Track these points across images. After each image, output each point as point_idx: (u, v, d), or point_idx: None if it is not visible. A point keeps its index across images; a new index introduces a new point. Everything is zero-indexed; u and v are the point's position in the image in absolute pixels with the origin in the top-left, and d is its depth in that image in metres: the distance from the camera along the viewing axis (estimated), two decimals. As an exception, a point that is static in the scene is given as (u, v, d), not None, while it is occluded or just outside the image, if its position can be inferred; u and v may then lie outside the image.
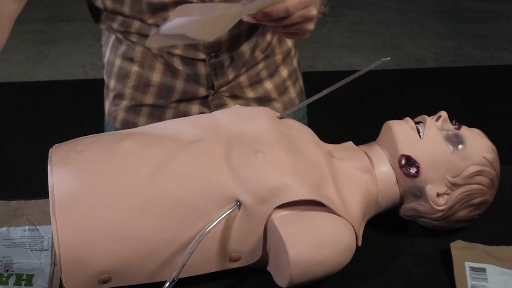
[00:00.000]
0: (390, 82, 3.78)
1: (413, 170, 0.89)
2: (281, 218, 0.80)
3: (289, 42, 1.14)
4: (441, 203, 0.90)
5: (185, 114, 1.08)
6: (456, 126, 0.93)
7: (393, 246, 0.94)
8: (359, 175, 0.90)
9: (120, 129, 1.13)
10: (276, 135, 0.87)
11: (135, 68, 1.08)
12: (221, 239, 0.81)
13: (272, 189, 0.80)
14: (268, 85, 1.11)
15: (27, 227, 0.95)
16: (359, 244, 0.85)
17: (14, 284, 0.83)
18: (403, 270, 0.89)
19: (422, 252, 0.93)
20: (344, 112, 3.37)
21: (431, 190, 0.90)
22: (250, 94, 1.10)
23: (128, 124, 1.12)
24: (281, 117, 0.94)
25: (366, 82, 3.49)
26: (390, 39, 4.62)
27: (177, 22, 0.77)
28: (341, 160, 0.91)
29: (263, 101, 1.14)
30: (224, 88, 1.07)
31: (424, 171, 0.89)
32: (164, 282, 0.79)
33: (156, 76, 1.06)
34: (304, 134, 0.92)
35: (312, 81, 3.47)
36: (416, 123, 0.93)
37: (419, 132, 0.91)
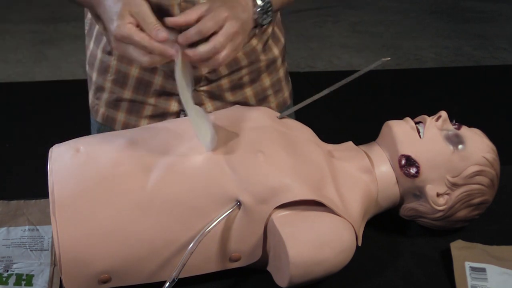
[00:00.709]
0: (390, 82, 3.78)
1: (413, 170, 0.89)
2: (281, 218, 0.80)
3: (275, 51, 1.12)
4: (441, 203, 0.90)
5: (164, 111, 1.07)
6: (456, 126, 0.93)
7: (393, 246, 0.94)
8: (359, 175, 0.90)
9: (100, 123, 1.13)
10: (276, 135, 0.87)
11: (114, 62, 1.07)
12: (221, 239, 0.81)
13: (272, 189, 0.80)
14: (248, 91, 1.10)
15: (27, 227, 0.95)
16: (359, 244, 0.85)
17: (14, 284, 0.83)
18: (403, 270, 0.89)
19: (422, 252, 0.92)
20: (344, 112, 3.37)
21: (431, 190, 0.89)
22: (229, 97, 1.08)
23: (108, 119, 1.11)
24: (281, 117, 0.94)
25: (366, 82, 3.49)
26: (390, 39, 4.62)
27: None
28: (341, 160, 0.91)
29: None
30: (204, 88, 1.06)
31: (424, 171, 0.89)
32: (164, 282, 0.79)
33: (134, 71, 1.06)
34: (304, 134, 0.92)
35: (312, 81, 3.47)
36: (416, 123, 0.93)
37: (419, 132, 0.91)
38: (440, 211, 0.91)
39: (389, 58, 0.91)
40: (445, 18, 5.16)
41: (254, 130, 0.88)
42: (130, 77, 1.06)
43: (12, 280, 0.84)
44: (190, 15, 0.84)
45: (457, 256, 0.88)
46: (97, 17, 1.07)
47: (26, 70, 3.88)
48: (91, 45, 1.13)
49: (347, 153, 0.93)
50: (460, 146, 0.90)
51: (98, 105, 1.13)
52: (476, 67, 4.14)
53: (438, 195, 0.90)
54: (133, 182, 0.80)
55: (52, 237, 0.93)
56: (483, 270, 0.86)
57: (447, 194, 0.90)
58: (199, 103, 1.06)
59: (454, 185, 0.90)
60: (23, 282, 0.84)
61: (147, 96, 1.07)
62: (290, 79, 1.21)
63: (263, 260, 0.84)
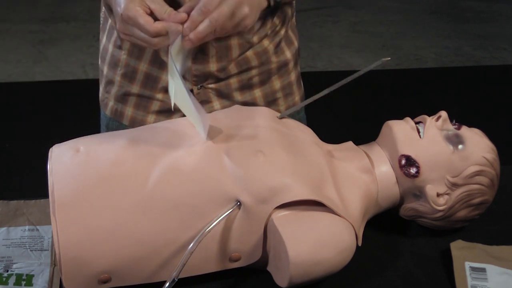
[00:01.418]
0: (390, 82, 3.78)
1: (413, 170, 0.89)
2: (281, 218, 0.80)
3: (287, 54, 1.11)
4: (441, 203, 0.90)
5: (171, 107, 1.07)
6: (456, 126, 0.93)
7: (393, 246, 0.94)
8: (359, 175, 0.90)
9: (109, 117, 1.13)
10: (276, 135, 0.87)
11: (124, 56, 1.07)
12: (221, 239, 0.81)
13: (272, 189, 0.80)
14: (257, 92, 1.10)
15: (27, 227, 0.95)
16: (359, 244, 0.85)
17: (14, 284, 0.83)
18: (403, 270, 0.89)
19: (422, 252, 0.93)
20: (344, 112, 3.37)
21: (431, 190, 0.89)
22: (238, 97, 1.08)
23: (116, 113, 1.12)
24: (281, 117, 0.94)
25: (366, 82, 3.49)
26: (390, 39, 4.62)
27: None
28: (341, 160, 0.91)
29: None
30: (212, 85, 1.06)
31: (424, 171, 0.89)
32: (164, 282, 0.79)
33: (143, 66, 1.06)
34: (304, 134, 0.92)
35: (312, 81, 3.47)
36: (416, 123, 0.93)
37: (419, 132, 0.91)
38: (440, 211, 0.91)
39: (389, 58, 0.91)
40: (445, 18, 5.16)
41: (254, 130, 0.88)
42: (138, 71, 1.06)
43: (12, 280, 0.84)
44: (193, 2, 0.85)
45: (457, 256, 0.88)
46: (110, 10, 1.08)
47: (26, 70, 3.88)
48: (103, 39, 1.13)
49: (347, 153, 0.93)
50: (460, 146, 0.90)
51: (107, 98, 1.13)
52: (476, 67, 4.14)
53: (438, 195, 0.90)
54: (133, 182, 0.80)
55: (52, 237, 0.93)
56: (483, 270, 0.86)
57: (447, 194, 0.90)
58: (207, 100, 1.06)
59: (454, 185, 0.90)
60: (23, 282, 0.84)
61: (155, 92, 1.07)
62: (302, 83, 1.20)
63: (263, 260, 0.84)
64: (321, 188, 0.83)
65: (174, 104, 0.91)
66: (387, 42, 4.56)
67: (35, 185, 2.57)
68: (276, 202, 0.80)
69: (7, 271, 0.86)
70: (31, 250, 0.90)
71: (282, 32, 1.09)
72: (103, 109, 1.16)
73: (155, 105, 1.08)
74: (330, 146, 0.94)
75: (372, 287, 0.85)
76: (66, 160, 0.83)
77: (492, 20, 5.15)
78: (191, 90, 1.05)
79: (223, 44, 1.01)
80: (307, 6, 5.25)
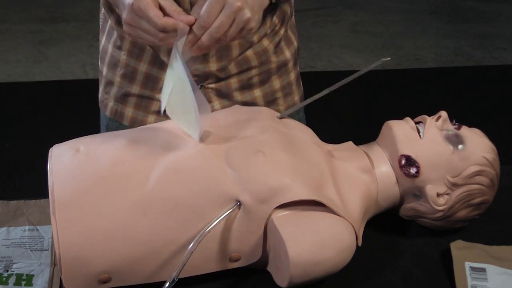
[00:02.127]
0: (390, 82, 3.78)
1: (413, 170, 0.89)
2: (281, 218, 0.80)
3: (287, 53, 1.11)
4: (441, 203, 0.90)
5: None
6: (456, 126, 0.93)
7: (393, 246, 0.94)
8: (359, 175, 0.90)
9: (109, 118, 1.13)
10: (276, 135, 0.87)
11: (123, 57, 1.07)
12: (221, 239, 0.81)
13: (272, 189, 0.80)
14: (257, 92, 1.10)
15: (27, 227, 0.95)
16: (359, 244, 0.85)
17: (14, 284, 0.83)
18: (403, 270, 0.89)
19: (422, 252, 0.93)
20: (344, 112, 3.37)
21: (431, 190, 0.90)
22: (238, 97, 1.08)
23: (116, 114, 1.11)
24: (281, 117, 0.94)
25: (366, 82, 3.49)
26: (390, 39, 4.62)
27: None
28: (341, 160, 0.91)
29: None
30: (212, 85, 1.06)
31: (424, 171, 0.89)
32: (164, 282, 0.79)
33: (142, 66, 1.06)
34: (304, 134, 0.92)
35: (312, 81, 3.47)
36: (416, 123, 0.93)
37: (419, 132, 0.91)
38: (440, 211, 0.91)
39: (389, 58, 0.91)
40: (445, 18, 5.16)
41: (254, 130, 0.88)
42: (138, 72, 1.06)
43: (12, 280, 0.84)
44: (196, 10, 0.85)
45: (457, 256, 0.88)
46: (110, 11, 1.08)
47: (26, 70, 3.88)
48: (103, 40, 1.13)
49: (347, 153, 0.93)
50: (460, 146, 0.90)
51: (107, 99, 1.13)
52: (476, 67, 4.14)
53: (438, 195, 0.90)
54: (133, 182, 0.80)
55: (52, 237, 0.93)
56: (483, 270, 0.86)
57: (447, 194, 0.90)
58: (207, 100, 1.06)
59: (454, 185, 0.90)
60: (23, 282, 0.84)
61: (155, 92, 1.07)
62: (302, 83, 1.20)
63: (263, 260, 0.84)
64: (321, 188, 0.83)
65: (164, 110, 0.90)
66: (387, 42, 4.56)
67: (35, 185, 2.57)
68: (276, 202, 0.80)
69: (7, 271, 0.86)
70: (31, 250, 0.90)
71: (282, 31, 1.09)
72: (102, 110, 1.16)
73: (156, 106, 1.08)
74: (330, 146, 0.94)
75: (372, 287, 0.85)
76: (66, 160, 0.83)
77: (492, 20, 5.16)
78: None
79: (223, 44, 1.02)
80: (307, 6, 5.25)
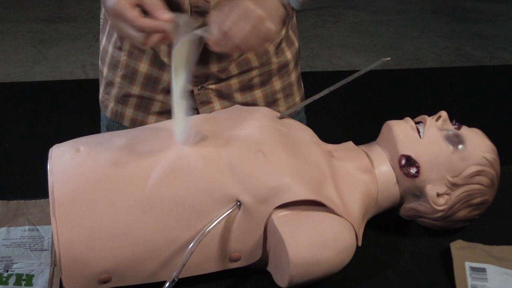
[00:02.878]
0: (390, 82, 3.78)
1: (413, 170, 0.89)
2: (281, 218, 0.80)
3: (288, 54, 1.11)
4: (441, 203, 0.90)
5: (171, 108, 1.07)
6: (456, 126, 0.93)
7: (393, 246, 0.94)
8: (359, 175, 0.90)
9: (110, 119, 1.13)
10: (276, 135, 0.87)
11: (123, 57, 1.07)
12: (221, 239, 0.81)
13: (272, 189, 0.80)
14: (258, 93, 1.10)
15: (27, 227, 0.95)
16: (359, 244, 0.85)
17: (14, 284, 0.83)
18: (403, 270, 0.89)
19: (422, 252, 0.93)
20: (344, 112, 3.37)
21: (431, 190, 0.89)
22: (238, 98, 1.08)
23: (117, 114, 1.11)
24: (281, 117, 0.94)
25: (366, 82, 3.49)
26: (390, 39, 4.62)
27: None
28: (341, 160, 0.91)
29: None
30: (212, 86, 1.06)
31: (424, 171, 0.89)
32: (164, 282, 0.79)
33: (143, 67, 1.06)
34: (304, 134, 0.92)
35: (312, 81, 3.47)
36: (416, 123, 0.93)
37: (419, 132, 0.91)
38: (440, 211, 0.90)
39: (389, 58, 0.91)
40: (445, 18, 5.16)
41: (254, 129, 0.88)
42: (138, 73, 1.06)
43: (12, 280, 0.84)
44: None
45: (457, 256, 0.88)
46: None
47: (26, 70, 3.88)
48: (103, 40, 1.13)
49: (347, 153, 0.93)
50: (460, 146, 0.90)
51: (107, 100, 1.13)
52: (476, 67, 4.14)
53: (438, 195, 0.90)
54: (133, 182, 0.80)
55: (52, 237, 0.93)
56: (483, 270, 0.86)
57: (447, 194, 0.90)
58: (207, 101, 1.06)
59: (454, 185, 0.90)
60: (23, 282, 0.84)
61: (155, 93, 1.07)
62: (302, 84, 1.20)
63: (263, 260, 0.84)
64: (321, 188, 0.83)
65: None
66: (387, 42, 4.56)
67: (35, 185, 2.57)
68: (276, 202, 0.80)
69: (7, 271, 0.86)
70: (31, 250, 0.90)
71: (283, 32, 1.09)
72: (103, 110, 1.16)
73: (156, 106, 1.08)
74: (330, 146, 0.94)
75: (372, 287, 0.85)
76: (66, 160, 0.83)
77: (492, 20, 5.15)
78: (192, 91, 1.05)
79: None
80: (307, 6, 5.25)
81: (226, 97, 1.07)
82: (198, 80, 1.04)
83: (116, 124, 1.12)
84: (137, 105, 1.09)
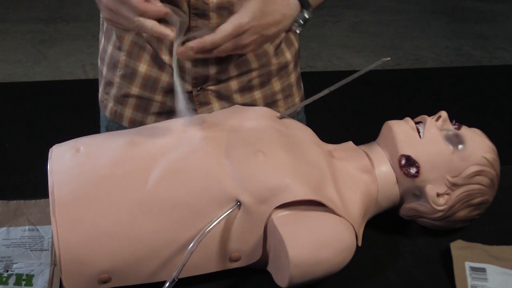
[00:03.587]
0: (390, 82, 3.78)
1: (413, 170, 0.89)
2: (281, 218, 0.80)
3: (287, 55, 1.11)
4: (441, 203, 0.90)
5: (171, 108, 1.07)
6: (456, 126, 0.93)
7: (393, 246, 0.94)
8: (359, 175, 0.90)
9: (109, 119, 1.13)
10: (276, 135, 0.87)
11: (123, 57, 1.07)
12: (221, 239, 0.81)
13: (272, 189, 0.80)
14: (257, 94, 1.09)
15: (27, 227, 0.95)
16: (359, 244, 0.85)
17: (14, 284, 0.83)
18: (403, 270, 0.89)
19: (422, 252, 0.93)
20: (344, 112, 3.37)
21: (431, 190, 0.89)
22: (238, 99, 1.08)
23: (116, 115, 1.11)
24: (281, 117, 0.94)
25: (366, 82, 3.49)
26: (390, 39, 4.62)
27: None
28: (341, 160, 0.91)
29: None
30: (212, 87, 1.06)
31: (424, 171, 0.89)
32: (164, 282, 0.79)
33: (142, 67, 1.06)
34: (304, 134, 0.92)
35: (312, 81, 3.47)
36: (416, 123, 0.93)
37: (419, 132, 0.91)
38: (440, 211, 0.91)
39: (389, 58, 0.91)
40: (445, 18, 5.16)
41: (254, 129, 0.88)
42: (138, 73, 1.06)
43: (12, 280, 0.84)
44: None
45: (457, 256, 0.88)
46: None
47: (26, 70, 3.88)
48: (103, 40, 1.13)
49: (347, 153, 0.93)
50: (460, 146, 0.90)
51: (107, 100, 1.13)
52: (476, 67, 4.14)
53: (438, 195, 0.90)
54: (133, 182, 0.80)
55: (52, 237, 0.93)
56: (483, 270, 0.86)
57: (447, 194, 0.90)
58: (206, 102, 1.06)
59: (454, 185, 0.90)
60: (23, 282, 0.84)
61: (155, 93, 1.07)
62: (302, 85, 1.20)
63: (263, 260, 0.84)
64: (321, 188, 0.83)
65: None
66: (387, 42, 4.56)
67: (35, 185, 2.57)
68: (276, 202, 0.80)
69: (7, 271, 0.86)
70: (31, 250, 0.90)
71: (283, 34, 1.09)
72: (102, 110, 1.16)
73: (155, 107, 1.07)
74: (330, 146, 0.94)
75: (372, 287, 0.85)
76: (66, 160, 0.83)
77: (492, 20, 5.16)
78: (190, 92, 1.05)
79: None
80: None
81: (225, 98, 1.07)
82: (197, 81, 1.04)
83: (115, 125, 1.12)
84: (136, 106, 1.08)
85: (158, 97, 1.07)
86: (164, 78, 1.05)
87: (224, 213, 0.79)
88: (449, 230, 0.96)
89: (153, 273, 0.80)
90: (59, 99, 3.46)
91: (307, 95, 1.18)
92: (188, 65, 1.02)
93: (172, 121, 0.92)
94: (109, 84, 1.11)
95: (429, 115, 0.94)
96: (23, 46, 4.28)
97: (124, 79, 1.08)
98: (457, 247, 0.90)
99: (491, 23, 5.06)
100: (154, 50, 1.03)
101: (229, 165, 0.82)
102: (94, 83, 1.32)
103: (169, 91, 1.05)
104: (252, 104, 1.09)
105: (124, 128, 1.10)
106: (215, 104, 1.07)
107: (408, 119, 0.93)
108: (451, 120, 0.94)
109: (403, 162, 0.90)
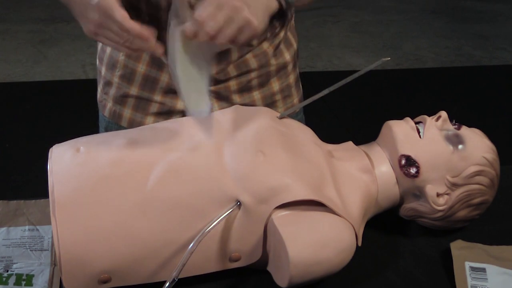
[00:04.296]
0: (390, 82, 3.78)
1: (413, 170, 0.89)
2: (281, 218, 0.80)
3: (286, 56, 1.11)
4: (441, 203, 0.90)
5: (170, 109, 1.07)
6: (456, 126, 0.93)
7: (393, 246, 0.94)
8: (359, 175, 0.90)
9: (107, 119, 1.13)
10: (276, 135, 0.87)
11: (122, 58, 1.07)
12: (221, 239, 0.81)
13: (272, 189, 0.80)
14: (256, 94, 1.09)
15: (27, 227, 0.95)
16: (359, 244, 0.85)
17: (14, 284, 0.83)
18: (403, 270, 0.89)
19: (422, 252, 0.93)
20: (344, 112, 3.37)
21: (431, 190, 0.90)
22: (237, 99, 1.08)
23: (115, 115, 1.11)
24: (281, 117, 0.94)
25: (366, 82, 3.49)
26: (390, 39, 4.62)
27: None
28: (341, 160, 0.91)
29: None
30: (211, 88, 1.06)
31: (424, 171, 0.89)
32: (164, 282, 0.79)
33: (141, 67, 1.05)
34: (304, 134, 0.92)
35: (312, 81, 3.47)
36: (416, 123, 0.93)
37: (419, 132, 0.91)
38: (440, 211, 0.91)
39: (389, 58, 0.91)
40: (445, 18, 5.16)
41: (254, 130, 0.88)
42: (137, 73, 1.06)
43: (12, 280, 0.84)
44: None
45: (457, 256, 0.88)
46: None
47: (26, 70, 3.88)
48: None
49: (347, 153, 0.93)
50: (460, 146, 0.90)
51: (106, 100, 1.13)
52: (476, 67, 4.14)
53: (438, 195, 0.90)
54: (133, 182, 0.80)
55: (52, 237, 0.93)
56: (483, 270, 0.86)
57: (447, 194, 0.90)
58: None
59: (454, 185, 0.90)
60: (23, 282, 0.84)
61: (154, 93, 1.07)
62: (301, 85, 1.20)
63: (263, 260, 0.84)
64: (321, 188, 0.83)
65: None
66: (387, 42, 4.56)
67: (35, 185, 2.57)
68: (276, 202, 0.80)
69: (7, 271, 0.86)
70: (31, 250, 0.90)
71: (282, 34, 1.09)
72: (101, 110, 1.15)
73: (154, 107, 1.07)
74: (330, 146, 0.94)
75: (372, 287, 0.85)
76: (66, 160, 0.83)
77: (492, 20, 5.15)
78: None
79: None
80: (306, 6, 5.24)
81: (224, 99, 1.07)
82: None
83: (114, 125, 1.11)
84: (135, 106, 1.08)
85: (157, 98, 1.07)
86: (163, 78, 1.04)
87: (224, 213, 0.79)
88: (449, 230, 0.96)
89: (153, 273, 0.80)
90: (59, 99, 3.46)
91: (307, 95, 1.18)
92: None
93: (172, 121, 0.92)
94: (108, 84, 1.11)
95: (429, 115, 0.94)
96: (23, 46, 4.28)
97: (123, 79, 1.08)
98: (457, 247, 0.90)
99: (491, 23, 5.06)
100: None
101: (229, 165, 0.82)
102: (94, 83, 1.32)
103: (168, 91, 1.05)
104: (251, 104, 1.09)
105: (123, 128, 1.10)
106: (214, 104, 1.07)
107: (408, 119, 0.93)
108: (451, 120, 0.94)
109: (403, 162, 0.90)
